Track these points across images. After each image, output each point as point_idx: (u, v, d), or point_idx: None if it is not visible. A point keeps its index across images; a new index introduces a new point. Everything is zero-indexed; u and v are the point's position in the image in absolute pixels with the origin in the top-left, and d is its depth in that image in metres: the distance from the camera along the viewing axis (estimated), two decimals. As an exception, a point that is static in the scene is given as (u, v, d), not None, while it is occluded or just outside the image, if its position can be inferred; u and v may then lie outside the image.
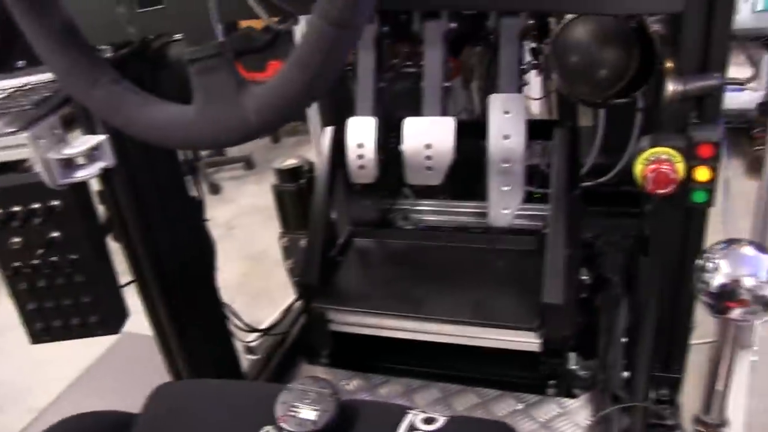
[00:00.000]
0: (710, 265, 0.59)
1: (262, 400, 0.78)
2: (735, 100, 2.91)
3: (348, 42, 0.54)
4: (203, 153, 3.72)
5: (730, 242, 0.59)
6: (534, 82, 1.87)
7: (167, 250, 1.14)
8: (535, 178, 1.88)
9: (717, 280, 0.58)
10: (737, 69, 3.02)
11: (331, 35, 0.52)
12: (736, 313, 0.58)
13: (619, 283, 1.45)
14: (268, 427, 0.75)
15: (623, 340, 1.31)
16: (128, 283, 1.15)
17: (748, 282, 0.57)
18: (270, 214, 1.64)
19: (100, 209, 1.11)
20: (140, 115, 0.62)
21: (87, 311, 1.08)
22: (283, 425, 0.74)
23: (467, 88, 2.10)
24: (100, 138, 0.94)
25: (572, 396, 1.23)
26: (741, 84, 0.78)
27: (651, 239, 0.94)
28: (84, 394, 2.06)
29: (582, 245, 1.65)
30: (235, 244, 3.03)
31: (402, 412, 0.77)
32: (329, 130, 1.31)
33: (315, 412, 0.74)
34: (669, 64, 0.70)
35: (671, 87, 0.69)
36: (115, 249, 1.13)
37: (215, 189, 3.56)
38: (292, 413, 0.75)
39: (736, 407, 1.63)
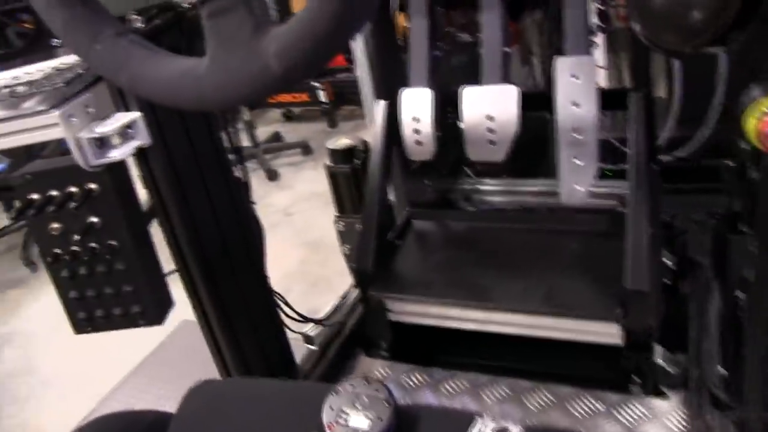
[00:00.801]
0: None
1: (309, 403, 0.69)
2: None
3: None
4: (260, 139, 3.69)
5: None
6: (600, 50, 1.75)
7: (211, 236, 1.07)
8: (606, 154, 1.76)
9: None
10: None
11: None
12: None
13: (710, 266, 1.31)
14: (315, 435, 0.66)
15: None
16: (171, 272, 1.09)
17: None
18: (328, 200, 1.58)
19: (143, 195, 1.05)
20: (146, 70, 0.53)
21: (128, 301, 1.02)
22: (331, 433, 0.65)
23: (528, 62, 1.98)
24: (134, 115, 0.88)
25: (660, 394, 1.10)
26: None
27: (758, 210, 0.81)
28: (139, 386, 2.04)
29: (662, 226, 1.52)
30: (292, 230, 2.99)
31: (468, 420, 0.67)
32: (382, 105, 1.21)
33: (368, 420, 0.65)
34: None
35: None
36: (160, 237, 1.07)
37: (273, 175, 3.52)
38: (342, 420, 0.65)
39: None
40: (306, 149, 3.74)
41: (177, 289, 1.11)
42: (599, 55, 1.83)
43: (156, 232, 1.05)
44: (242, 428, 0.72)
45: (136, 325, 1.05)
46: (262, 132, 3.96)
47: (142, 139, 0.90)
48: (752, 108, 0.61)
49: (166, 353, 2.18)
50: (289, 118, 4.43)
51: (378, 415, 0.65)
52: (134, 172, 1.00)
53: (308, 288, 2.50)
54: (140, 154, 0.96)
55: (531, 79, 2.00)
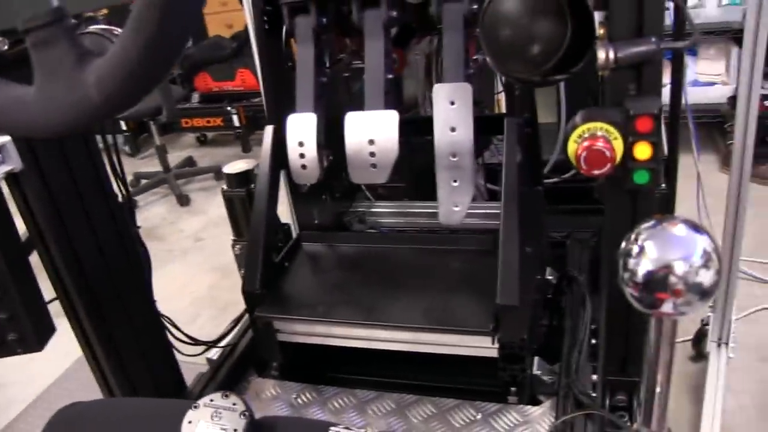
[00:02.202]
0: (635, 249, 0.50)
1: (169, 419, 0.70)
2: (706, 94, 2.87)
3: None
4: (172, 164, 3.65)
5: (659, 221, 0.50)
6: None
7: (92, 262, 1.06)
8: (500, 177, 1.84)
9: (644, 267, 0.49)
10: (707, 63, 2.99)
11: None
12: (667, 306, 0.49)
13: (585, 281, 1.38)
14: (173, 451, 0.67)
15: (593, 341, 1.24)
16: (51, 300, 1.08)
17: (679, 268, 0.48)
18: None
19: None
20: None
21: (4, 328, 1.00)
22: (188, 448, 0.66)
23: (424, 90, 2.05)
24: (3, 139, 0.87)
25: (537, 403, 1.16)
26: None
27: (602, 228, 0.87)
28: (38, 416, 1.98)
29: (550, 244, 1.59)
30: (203, 256, 2.97)
31: (323, 428, 0.69)
32: (269, 129, 1.24)
33: (223, 432, 0.67)
34: (601, 31, 0.63)
35: (602, 55, 0.63)
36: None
37: (184, 200, 3.48)
38: (199, 434, 0.67)
39: (713, 407, 1.58)
40: (219, 174, 3.72)
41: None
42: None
43: (37, 259, 1.04)
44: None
45: (14, 353, 1.04)
46: (175, 157, 3.92)
47: (12, 164, 0.89)
48: (573, 132, 0.67)
49: (65, 384, 2.12)
50: (203, 142, 4.40)
51: (233, 427, 0.67)
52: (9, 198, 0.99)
53: (217, 313, 2.48)
54: (12, 179, 0.95)
55: (427, 105, 2.07)
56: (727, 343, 1.74)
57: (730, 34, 2.82)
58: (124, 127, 4.16)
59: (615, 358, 0.91)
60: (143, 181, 3.61)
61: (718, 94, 2.89)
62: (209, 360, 1.48)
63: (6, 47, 0.85)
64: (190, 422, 0.68)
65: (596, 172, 0.66)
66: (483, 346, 1.11)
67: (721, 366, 1.70)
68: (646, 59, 0.65)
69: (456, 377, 1.23)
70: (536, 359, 1.20)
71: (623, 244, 0.51)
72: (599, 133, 0.66)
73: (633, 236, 0.51)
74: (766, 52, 1.42)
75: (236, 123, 3.94)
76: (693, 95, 2.31)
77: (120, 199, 1.14)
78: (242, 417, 0.68)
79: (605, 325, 0.88)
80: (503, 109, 2.12)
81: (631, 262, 0.50)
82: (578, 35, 0.71)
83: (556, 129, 1.99)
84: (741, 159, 1.50)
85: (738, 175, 1.51)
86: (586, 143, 0.65)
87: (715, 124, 3.03)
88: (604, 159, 0.66)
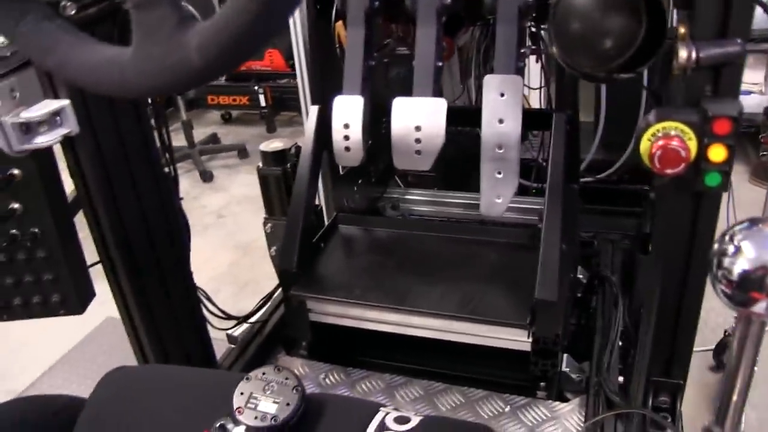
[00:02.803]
0: (731, 248, 0.50)
1: (221, 389, 0.71)
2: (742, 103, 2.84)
3: None
4: (198, 139, 3.67)
5: (754, 221, 0.50)
6: (533, 70, 1.82)
7: (136, 229, 1.07)
8: (533, 172, 1.84)
9: (739, 266, 0.49)
10: (745, 71, 2.97)
11: None
12: (760, 306, 0.49)
13: (617, 282, 1.38)
14: (224, 419, 0.68)
15: (620, 343, 1.24)
16: (94, 264, 1.09)
17: None
18: (261, 204, 1.58)
19: (69, 184, 1.04)
20: (73, 55, 0.55)
21: (48, 289, 1.02)
22: (240, 417, 0.67)
23: (466, 79, 2.05)
24: (62, 103, 0.87)
25: (564, 399, 1.16)
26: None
27: (655, 230, 0.87)
28: (61, 378, 2.01)
29: (580, 243, 1.59)
30: (224, 232, 2.98)
31: (373, 409, 0.70)
32: (314, 109, 1.24)
33: (276, 405, 0.67)
34: (682, 30, 0.63)
35: (684, 54, 0.62)
36: (85, 227, 1.07)
37: (208, 177, 3.50)
38: (251, 405, 0.68)
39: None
40: (242, 152, 3.73)
41: (102, 283, 1.11)
42: (535, 74, 1.91)
43: (81, 223, 1.05)
44: (154, 413, 0.73)
45: (56, 314, 1.05)
46: (200, 133, 3.93)
47: (69, 127, 0.89)
48: (647, 130, 0.67)
49: (87, 348, 2.14)
50: (227, 120, 4.41)
51: (286, 401, 0.68)
52: (61, 160, 1.00)
53: (237, 290, 2.50)
54: (67, 142, 0.96)
55: (467, 96, 2.07)
56: (750, 354, 1.73)
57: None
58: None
59: (660, 359, 0.91)
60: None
61: (754, 103, 2.86)
62: (230, 336, 1.49)
63: (74, 12, 0.86)
64: (242, 393, 0.69)
65: (669, 171, 0.66)
66: (517, 339, 1.11)
67: (744, 377, 1.69)
68: (728, 61, 0.64)
69: (485, 369, 1.24)
70: (566, 356, 1.20)
71: (716, 245, 0.51)
72: (673, 132, 0.66)
73: (728, 236, 0.51)
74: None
75: (262, 103, 3.94)
76: (728, 104, 2.28)
77: (165, 169, 1.15)
78: (295, 391, 0.68)
79: (654, 326, 0.88)
80: (533, 106, 2.13)
81: (727, 260, 0.50)
82: (650, 33, 0.71)
83: (591, 128, 1.99)
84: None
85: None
86: (660, 142, 0.65)
87: (747, 134, 3.00)
88: (679, 159, 0.65)
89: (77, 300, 1.03)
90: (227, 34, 0.48)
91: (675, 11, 0.76)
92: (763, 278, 0.48)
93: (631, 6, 0.69)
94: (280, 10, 0.47)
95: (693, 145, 0.66)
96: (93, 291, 1.07)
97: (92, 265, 1.09)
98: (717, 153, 0.66)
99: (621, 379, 1.17)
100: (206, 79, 0.52)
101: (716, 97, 0.68)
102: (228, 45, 0.48)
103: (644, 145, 0.67)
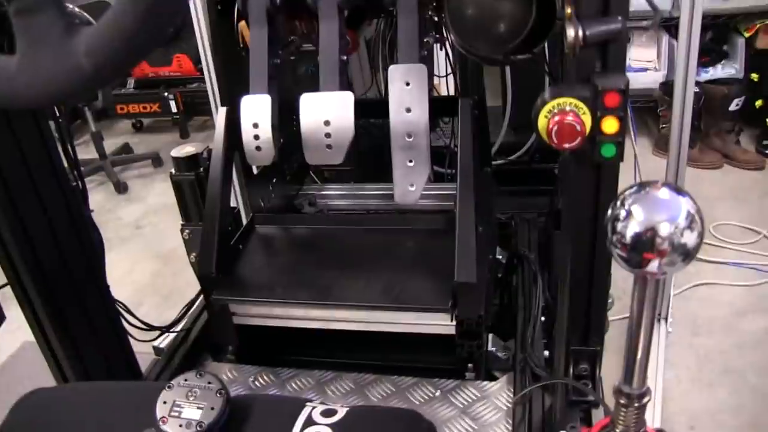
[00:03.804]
0: (622, 213, 0.53)
1: (144, 400, 0.69)
2: (638, 80, 2.96)
3: None
4: (108, 150, 3.56)
5: (643, 185, 0.53)
6: (441, 58, 1.84)
7: (45, 247, 1.03)
8: (446, 158, 1.87)
9: (631, 229, 0.52)
10: (640, 50, 3.08)
11: None
12: (653, 265, 0.52)
13: (536, 260, 1.42)
14: (148, 431, 0.66)
15: (542, 318, 1.28)
16: (2, 286, 1.05)
17: (665, 229, 0.51)
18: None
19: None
20: None
21: (-48, 317, 0.97)
22: (164, 427, 0.66)
23: (374, 71, 2.06)
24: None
25: (492, 378, 1.19)
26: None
27: (562, 206, 0.90)
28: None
29: (498, 224, 1.62)
30: (143, 243, 2.91)
31: (299, 405, 0.70)
32: (222, 111, 1.23)
33: (200, 410, 0.66)
34: (568, 10, 0.66)
35: (571, 33, 0.65)
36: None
37: (122, 188, 3.40)
38: (175, 413, 0.67)
39: (655, 379, 1.65)
40: (156, 160, 3.64)
41: (13, 306, 1.07)
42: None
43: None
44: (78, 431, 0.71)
45: (-38, 342, 1.00)
46: (111, 143, 3.81)
47: (-38, 146, 0.86)
48: (543, 108, 0.70)
49: (3, 377, 2.05)
50: (138, 129, 4.29)
51: (210, 405, 0.67)
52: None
53: (161, 300, 2.44)
54: (-38, 161, 0.92)
55: (376, 89, 2.08)
56: (666, 319, 1.82)
57: (661, 22, 2.92)
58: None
59: (578, 329, 0.95)
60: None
61: (650, 79, 2.98)
62: (156, 348, 1.46)
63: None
64: (165, 402, 0.68)
65: (567, 145, 0.69)
66: (441, 324, 1.13)
67: (661, 340, 1.77)
68: (612, 38, 0.68)
69: (413, 356, 1.25)
70: (490, 336, 1.23)
71: (610, 210, 0.54)
72: (568, 108, 0.68)
73: (619, 202, 0.53)
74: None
75: (173, 109, 3.85)
76: (628, 80, 2.38)
77: (72, 183, 1.11)
78: (219, 395, 0.68)
79: (569, 297, 0.91)
80: (443, 93, 2.16)
81: (619, 225, 0.52)
82: (541, 14, 0.74)
83: (500, 112, 2.03)
84: (679, 141, 1.56)
85: (676, 156, 1.57)
86: (556, 118, 0.68)
87: (647, 108, 3.14)
88: (575, 133, 0.68)
89: (-15, 325, 0.99)
90: (115, 37, 0.47)
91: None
92: (653, 239, 0.51)
93: (521, -11, 0.71)
94: (165, 11, 0.47)
95: (587, 119, 0.69)
96: (2, 315, 1.03)
97: (0, 288, 1.05)
98: (610, 125, 0.69)
99: (547, 353, 1.21)
100: (98, 85, 0.51)
101: (605, 73, 0.71)
102: (117, 48, 0.47)
103: (541, 122, 0.69)
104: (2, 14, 0.89)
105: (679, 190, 0.53)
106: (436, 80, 1.93)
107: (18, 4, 0.49)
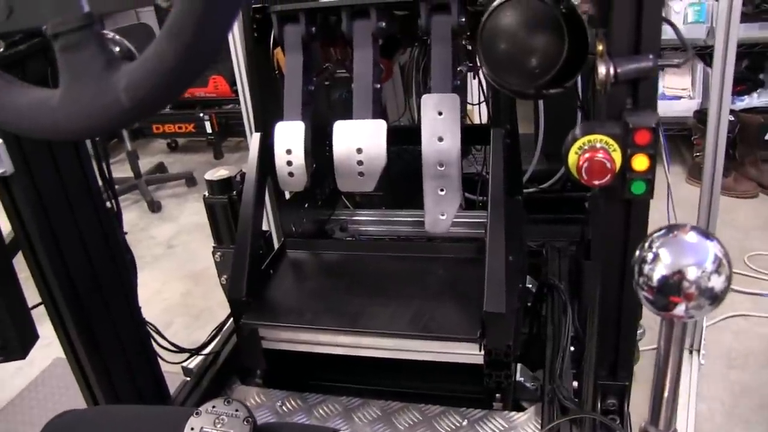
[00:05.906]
0: (650, 255, 0.53)
1: (172, 427, 0.70)
2: (672, 108, 2.94)
3: (225, 5, 0.47)
4: (144, 169, 3.62)
5: (671, 228, 0.53)
6: (475, 86, 1.85)
7: (79, 267, 1.05)
8: (478, 186, 1.87)
9: (658, 272, 0.52)
10: (674, 78, 3.06)
11: None
12: (680, 309, 0.51)
13: (565, 289, 1.41)
14: (176, 457, 0.67)
15: (572, 348, 1.26)
16: (36, 305, 1.06)
17: (692, 273, 0.51)
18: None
19: (6, 225, 1.02)
20: (3, 99, 0.55)
21: (-13, 335, 0.99)
22: (192, 454, 0.66)
23: (407, 99, 2.07)
24: (-6, 143, 0.86)
25: (520, 409, 1.18)
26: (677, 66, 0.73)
27: (592, 239, 0.90)
28: (4, 427, 1.94)
29: (528, 253, 1.61)
30: (175, 263, 2.94)
31: (326, 434, 0.70)
32: (256, 136, 1.25)
33: (227, 438, 0.67)
34: (600, 47, 0.66)
35: (603, 70, 0.65)
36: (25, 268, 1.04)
37: (156, 207, 3.46)
38: (202, 440, 0.67)
39: (687, 413, 1.62)
40: (190, 180, 3.70)
41: (46, 324, 1.09)
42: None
43: (21, 264, 1.03)
44: (103, 455, 0.72)
45: (-4, 359, 1.02)
46: (146, 162, 3.88)
47: (3, 167, 0.88)
48: (574, 144, 0.70)
49: (34, 393, 2.09)
50: (173, 148, 4.37)
51: (237, 434, 0.67)
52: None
53: (191, 320, 2.47)
54: (2, 182, 0.94)
55: (409, 115, 2.09)
56: (698, 350, 1.79)
57: (696, 50, 2.91)
58: (92, 132, 4.10)
59: (606, 363, 0.94)
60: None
61: (684, 107, 2.96)
62: (185, 369, 1.47)
63: (2, 49, 0.84)
64: (192, 429, 0.68)
65: (597, 182, 0.68)
66: (469, 353, 1.13)
67: (693, 373, 1.74)
68: (643, 75, 0.67)
69: (440, 384, 1.25)
70: (519, 366, 1.22)
71: (637, 252, 0.53)
72: (599, 145, 0.68)
73: (647, 244, 0.53)
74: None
75: (208, 129, 3.92)
76: (660, 109, 2.36)
77: (108, 204, 1.13)
78: (246, 423, 0.68)
79: (597, 331, 0.90)
80: (475, 120, 2.17)
81: (647, 267, 0.52)
82: (573, 50, 0.74)
83: (532, 140, 2.03)
84: (712, 170, 1.54)
85: (709, 185, 1.56)
86: (587, 155, 0.68)
87: (681, 136, 3.11)
88: (605, 170, 0.68)
89: (18, 344, 1.00)
90: (154, 74, 0.48)
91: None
92: (680, 282, 0.51)
93: (554, 25, 0.72)
94: (204, 50, 0.48)
95: (617, 156, 0.69)
96: (36, 334, 1.05)
97: (34, 307, 1.06)
98: (640, 162, 0.69)
99: (576, 384, 1.19)
100: (136, 120, 0.52)
101: (636, 110, 0.71)
102: (155, 85, 0.49)
103: (572, 158, 0.69)
104: (45, 44, 0.93)
105: (707, 234, 0.52)
106: (469, 107, 1.94)
107: (63, 42, 0.50)
